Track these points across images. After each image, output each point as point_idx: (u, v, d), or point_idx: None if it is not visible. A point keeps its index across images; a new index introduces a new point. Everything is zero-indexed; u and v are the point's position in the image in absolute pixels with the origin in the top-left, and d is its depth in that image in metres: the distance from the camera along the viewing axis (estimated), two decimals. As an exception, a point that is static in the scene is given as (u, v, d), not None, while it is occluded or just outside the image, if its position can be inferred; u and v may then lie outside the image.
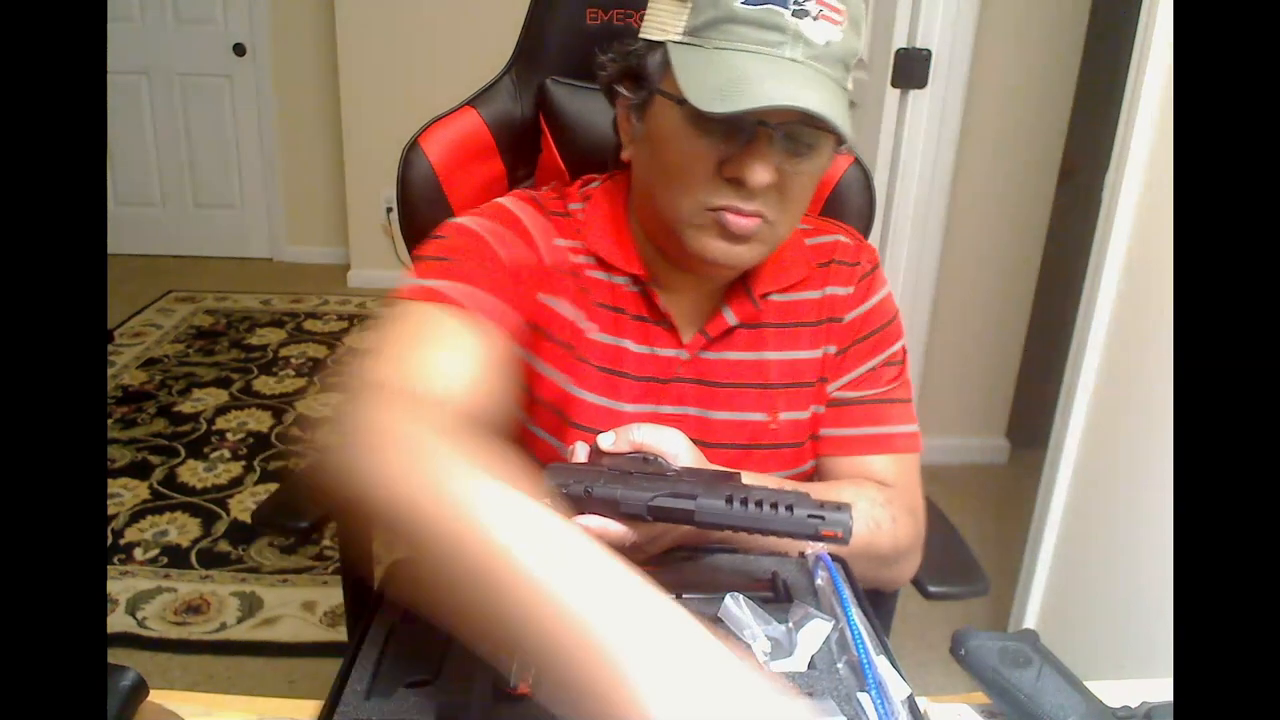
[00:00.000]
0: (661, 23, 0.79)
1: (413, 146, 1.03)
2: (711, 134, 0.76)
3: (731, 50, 0.74)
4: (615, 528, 0.67)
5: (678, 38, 0.77)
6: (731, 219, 0.78)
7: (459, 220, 0.86)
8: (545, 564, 0.47)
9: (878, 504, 0.86)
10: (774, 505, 0.63)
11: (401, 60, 3.72)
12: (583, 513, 0.67)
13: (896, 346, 0.94)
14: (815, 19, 0.73)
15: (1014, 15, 2.35)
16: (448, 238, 0.84)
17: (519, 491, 0.51)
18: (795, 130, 0.75)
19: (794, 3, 0.73)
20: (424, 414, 0.62)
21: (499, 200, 0.90)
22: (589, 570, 0.47)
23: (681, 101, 0.74)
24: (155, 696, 0.65)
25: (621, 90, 0.83)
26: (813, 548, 0.77)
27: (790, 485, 0.82)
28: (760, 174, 0.75)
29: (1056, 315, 2.28)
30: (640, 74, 0.81)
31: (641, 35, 0.82)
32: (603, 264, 0.88)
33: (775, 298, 0.91)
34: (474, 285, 0.78)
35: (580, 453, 0.74)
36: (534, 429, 0.89)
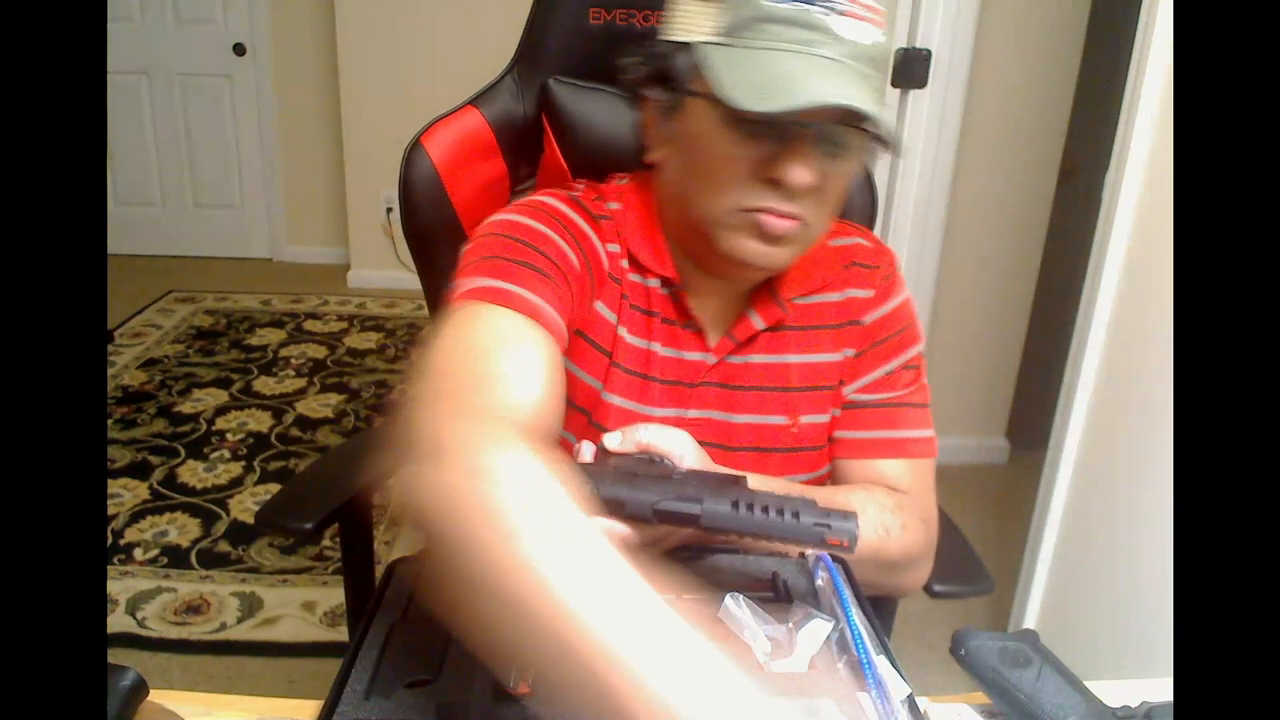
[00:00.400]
0: (688, 23, 0.78)
1: (415, 145, 1.03)
2: (749, 134, 0.74)
3: (767, 49, 0.73)
4: (620, 529, 0.66)
5: (709, 38, 0.75)
6: (769, 220, 0.76)
7: (518, 219, 0.82)
8: (583, 597, 0.47)
9: (888, 510, 0.85)
10: (780, 511, 0.63)
11: (401, 60, 3.72)
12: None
13: (914, 351, 0.94)
14: (846, 16, 0.72)
15: (1014, 15, 2.35)
16: (515, 238, 0.80)
17: (565, 517, 0.53)
18: (831, 130, 0.74)
19: (825, 0, 0.72)
20: (489, 426, 0.61)
21: (546, 200, 0.86)
22: (617, 596, 0.48)
23: (719, 102, 0.72)
24: (155, 696, 0.65)
25: (649, 93, 0.82)
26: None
27: (798, 490, 0.81)
28: (803, 175, 0.73)
29: (1056, 315, 2.28)
30: (669, 76, 0.79)
31: (666, 36, 0.80)
32: (638, 266, 0.87)
33: (798, 300, 0.90)
34: (543, 288, 0.76)
35: (586, 452, 0.73)
36: (561, 431, 0.87)
